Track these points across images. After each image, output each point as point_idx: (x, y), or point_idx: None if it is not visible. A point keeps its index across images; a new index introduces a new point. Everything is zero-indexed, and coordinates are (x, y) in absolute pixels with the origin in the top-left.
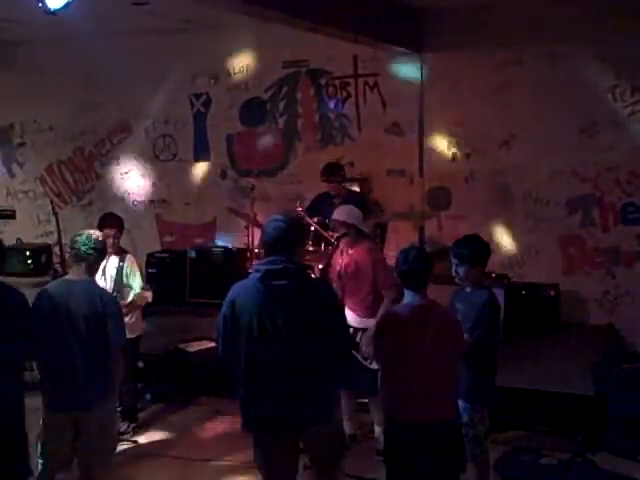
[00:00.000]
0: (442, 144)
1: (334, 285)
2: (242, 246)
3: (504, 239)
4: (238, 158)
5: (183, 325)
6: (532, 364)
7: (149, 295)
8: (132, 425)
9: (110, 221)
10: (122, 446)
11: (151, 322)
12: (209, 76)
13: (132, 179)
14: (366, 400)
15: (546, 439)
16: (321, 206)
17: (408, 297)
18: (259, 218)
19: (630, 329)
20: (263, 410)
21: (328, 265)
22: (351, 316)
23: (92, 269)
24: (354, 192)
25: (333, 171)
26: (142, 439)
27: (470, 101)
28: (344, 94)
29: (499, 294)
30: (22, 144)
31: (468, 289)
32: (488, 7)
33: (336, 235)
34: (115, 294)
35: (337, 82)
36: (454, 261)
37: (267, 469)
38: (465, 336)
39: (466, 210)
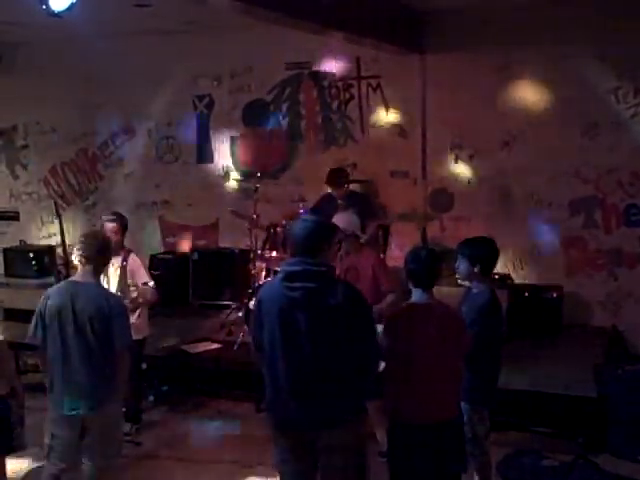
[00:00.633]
0: (444, 146)
1: None
2: (245, 247)
3: (506, 241)
4: (241, 160)
5: (186, 326)
6: (534, 365)
7: (153, 292)
8: (135, 426)
9: (112, 217)
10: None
11: (154, 323)
12: (212, 78)
13: (135, 181)
14: None
15: (548, 441)
16: (324, 208)
17: (416, 295)
18: (261, 220)
19: (633, 331)
20: (284, 409)
21: None
22: None
23: (98, 271)
24: (357, 193)
25: (338, 177)
26: (145, 440)
27: (472, 102)
28: (347, 96)
29: (501, 295)
30: (25, 146)
31: (475, 290)
32: (489, 8)
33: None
34: (119, 294)
35: (340, 84)
36: (458, 257)
37: (285, 469)
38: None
39: (468, 212)
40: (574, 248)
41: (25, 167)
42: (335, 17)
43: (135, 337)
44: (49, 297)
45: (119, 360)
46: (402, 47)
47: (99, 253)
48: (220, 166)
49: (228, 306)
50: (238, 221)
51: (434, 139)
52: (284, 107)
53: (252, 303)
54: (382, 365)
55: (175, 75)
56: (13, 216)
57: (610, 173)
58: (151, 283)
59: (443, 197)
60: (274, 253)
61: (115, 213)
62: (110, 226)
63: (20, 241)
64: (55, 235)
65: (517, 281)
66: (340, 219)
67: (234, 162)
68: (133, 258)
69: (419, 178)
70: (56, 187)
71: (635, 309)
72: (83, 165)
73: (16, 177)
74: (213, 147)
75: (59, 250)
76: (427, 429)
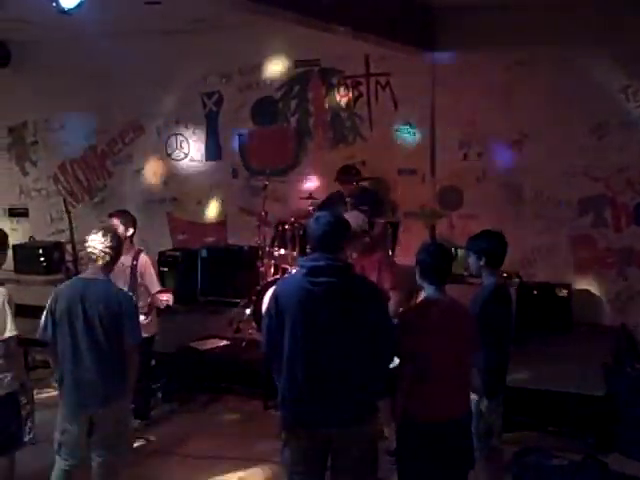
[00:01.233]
0: (453, 143)
1: None
2: (253, 245)
3: (515, 239)
4: (249, 157)
5: (195, 323)
6: (544, 364)
7: (169, 298)
8: (144, 423)
9: (117, 212)
10: (134, 444)
11: (163, 320)
12: (220, 75)
13: (144, 178)
14: None
15: (557, 439)
16: (333, 205)
17: (429, 291)
18: (270, 217)
19: None
20: (301, 407)
21: None
22: None
23: (108, 268)
24: (367, 190)
25: (349, 174)
26: (154, 437)
27: (482, 100)
28: (356, 93)
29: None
30: (35, 142)
31: (485, 283)
32: (500, 7)
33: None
34: (130, 294)
35: (349, 81)
36: (468, 254)
37: (295, 470)
38: None
39: (477, 210)
40: (584, 247)
41: (35, 164)
42: (344, 14)
43: (144, 334)
44: (59, 294)
45: (128, 357)
46: (412, 45)
47: (109, 250)
48: (229, 163)
49: (236, 303)
50: (247, 218)
51: (443, 137)
52: (293, 104)
53: (266, 299)
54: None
55: (184, 73)
56: (23, 212)
57: (620, 172)
58: (157, 289)
59: (452, 195)
60: (282, 250)
61: (121, 210)
62: (114, 221)
63: (29, 237)
64: (64, 232)
65: (526, 279)
66: (349, 217)
67: (243, 159)
68: (143, 258)
69: (427, 176)
70: (65, 184)
71: None
72: (92, 162)
73: (26, 174)
74: (222, 144)
75: (68, 247)
76: (438, 427)
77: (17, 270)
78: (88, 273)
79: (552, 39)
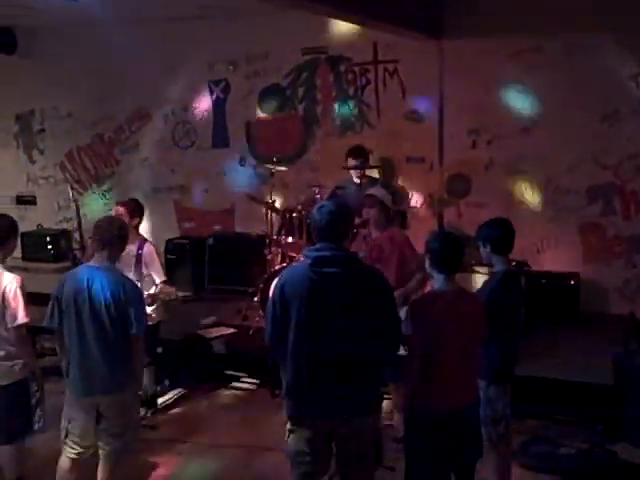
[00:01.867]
0: (462, 131)
1: None
2: (261, 233)
3: (523, 227)
4: (257, 145)
5: (202, 311)
6: (552, 353)
7: (173, 291)
8: (151, 410)
9: (124, 200)
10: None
11: (170, 308)
12: (228, 63)
13: (151, 166)
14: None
15: (565, 428)
16: (343, 193)
17: (439, 282)
18: (277, 205)
19: None
20: (307, 397)
21: None
22: None
23: (114, 256)
24: (377, 179)
25: (361, 152)
26: (161, 424)
27: (490, 88)
28: (364, 81)
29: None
30: (42, 130)
31: (495, 270)
32: None
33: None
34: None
35: (357, 69)
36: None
37: (300, 460)
38: None
39: (486, 198)
40: (592, 235)
41: (42, 152)
42: (352, 1)
43: (150, 322)
44: (65, 282)
45: (135, 345)
46: (420, 32)
47: (116, 238)
48: (236, 151)
49: (244, 291)
50: (254, 206)
51: (451, 124)
52: (300, 92)
53: (271, 288)
54: (402, 351)
55: (191, 60)
56: (30, 200)
57: (630, 160)
58: (162, 279)
59: (460, 183)
60: (290, 238)
61: (129, 199)
62: (119, 210)
63: (37, 225)
64: (71, 219)
65: (534, 268)
66: (376, 190)
67: (250, 147)
68: (149, 247)
69: (435, 164)
70: (72, 172)
71: None
72: (99, 150)
73: (33, 162)
74: (229, 132)
75: (75, 234)
76: (446, 415)
77: (25, 258)
78: (94, 261)
79: (562, 25)
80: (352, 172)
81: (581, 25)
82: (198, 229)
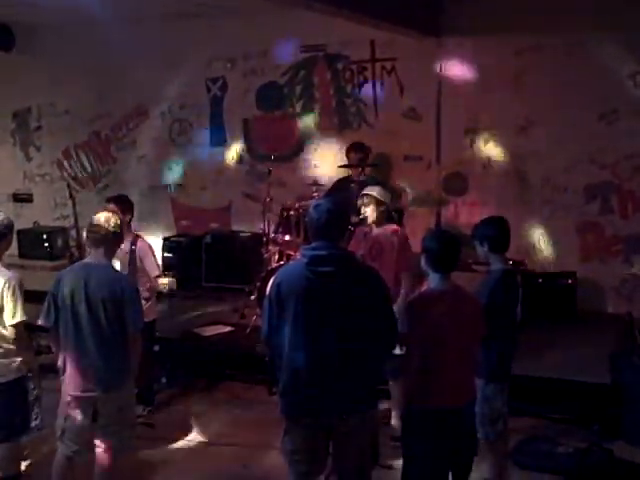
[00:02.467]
0: (459, 130)
1: None
2: (258, 231)
3: (521, 226)
4: (254, 143)
5: (199, 309)
6: (549, 352)
7: (172, 282)
8: (148, 408)
9: (115, 199)
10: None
11: (167, 306)
12: (225, 60)
13: (148, 163)
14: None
15: (563, 427)
16: (340, 192)
17: (435, 281)
18: (274, 203)
19: None
20: (303, 395)
21: None
22: None
23: (110, 253)
24: (374, 178)
25: (362, 148)
26: (158, 422)
27: (488, 87)
28: (361, 78)
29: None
30: (39, 127)
31: (492, 268)
32: None
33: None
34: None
35: (354, 67)
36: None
37: (295, 459)
38: None
39: (483, 196)
40: (589, 234)
41: (39, 149)
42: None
43: (145, 319)
44: (61, 280)
45: (131, 342)
46: (418, 30)
47: (111, 235)
48: (233, 149)
49: (241, 290)
50: (251, 204)
51: (449, 123)
52: (298, 90)
53: (268, 287)
54: (397, 350)
55: (188, 58)
56: (27, 198)
57: (627, 159)
58: (157, 273)
59: (457, 181)
60: (287, 237)
61: (119, 195)
62: (109, 207)
63: (34, 223)
64: (68, 217)
65: (531, 267)
66: (372, 189)
67: (247, 145)
68: (142, 243)
69: (433, 162)
70: (69, 169)
71: None
72: (96, 147)
73: (30, 159)
74: (226, 130)
75: (72, 232)
76: (443, 414)
77: (21, 255)
78: (90, 258)
79: (561, 24)
80: (351, 170)
81: (580, 24)
82: (195, 227)
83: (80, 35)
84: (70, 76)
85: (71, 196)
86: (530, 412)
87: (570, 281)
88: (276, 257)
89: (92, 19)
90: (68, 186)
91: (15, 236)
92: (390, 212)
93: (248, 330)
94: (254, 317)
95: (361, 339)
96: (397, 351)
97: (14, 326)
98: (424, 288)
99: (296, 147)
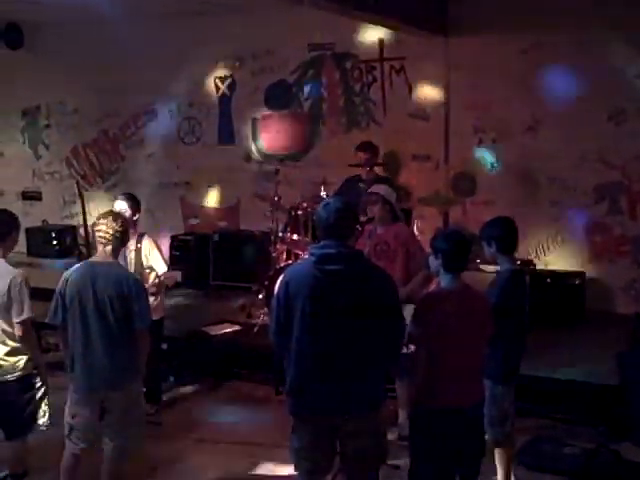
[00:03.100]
0: (468, 129)
1: None
2: (266, 230)
3: (529, 226)
4: (262, 142)
5: (206, 308)
6: (557, 352)
7: (176, 275)
8: (155, 407)
9: (125, 195)
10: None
11: (175, 304)
12: (234, 59)
13: (156, 162)
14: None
15: (570, 428)
16: (349, 191)
17: (446, 280)
18: (283, 202)
19: None
20: (311, 393)
21: None
22: None
23: (117, 251)
24: (382, 177)
25: (371, 146)
26: (165, 421)
27: (496, 86)
28: (370, 78)
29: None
30: (48, 126)
31: (500, 269)
32: None
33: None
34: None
35: (363, 66)
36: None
37: (303, 457)
38: None
39: (491, 196)
40: (598, 234)
41: (47, 147)
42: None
43: (153, 317)
44: (69, 278)
45: (139, 340)
46: (427, 29)
47: (118, 234)
48: (242, 148)
49: (248, 288)
50: (259, 203)
51: (457, 122)
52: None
53: (276, 286)
54: (405, 349)
55: (197, 56)
56: (36, 196)
57: (636, 159)
58: (164, 269)
59: (466, 181)
60: (295, 236)
61: (125, 193)
62: (123, 205)
63: (43, 221)
64: (77, 215)
65: (540, 267)
66: (379, 188)
67: (256, 144)
68: (147, 240)
69: (441, 162)
70: (78, 167)
71: None
72: (104, 146)
73: (39, 157)
74: (235, 129)
75: (81, 230)
76: (450, 414)
77: (30, 253)
78: (97, 257)
79: (569, 23)
80: (360, 169)
81: (588, 23)
82: (203, 226)
83: (89, 34)
84: (79, 75)
85: (80, 194)
86: (537, 412)
87: (578, 281)
88: (284, 256)
89: (101, 18)
90: (77, 184)
91: (24, 234)
92: (396, 211)
93: (256, 329)
94: (261, 316)
95: (369, 338)
96: (404, 350)
97: (21, 323)
98: (432, 287)
99: (304, 146)
